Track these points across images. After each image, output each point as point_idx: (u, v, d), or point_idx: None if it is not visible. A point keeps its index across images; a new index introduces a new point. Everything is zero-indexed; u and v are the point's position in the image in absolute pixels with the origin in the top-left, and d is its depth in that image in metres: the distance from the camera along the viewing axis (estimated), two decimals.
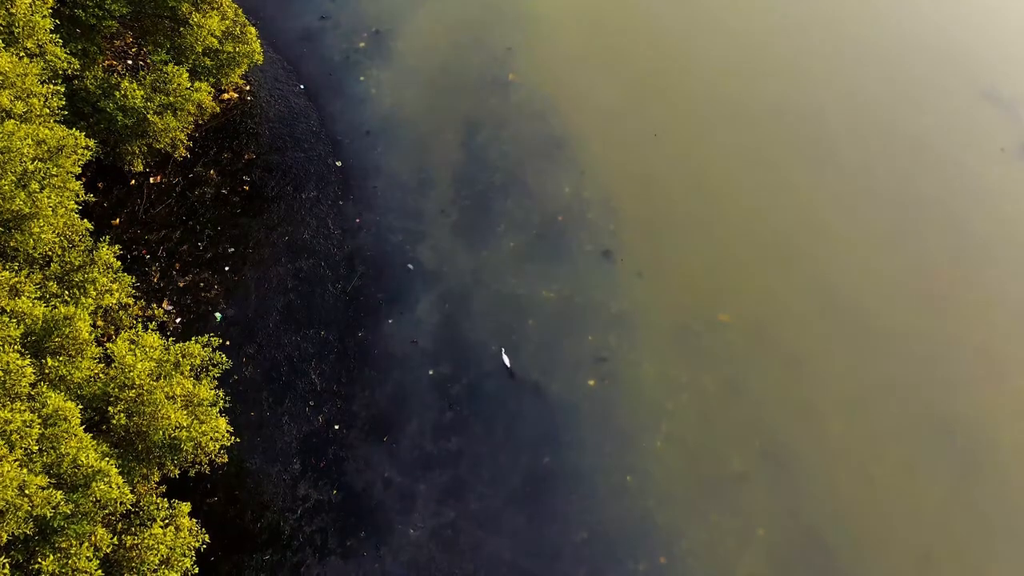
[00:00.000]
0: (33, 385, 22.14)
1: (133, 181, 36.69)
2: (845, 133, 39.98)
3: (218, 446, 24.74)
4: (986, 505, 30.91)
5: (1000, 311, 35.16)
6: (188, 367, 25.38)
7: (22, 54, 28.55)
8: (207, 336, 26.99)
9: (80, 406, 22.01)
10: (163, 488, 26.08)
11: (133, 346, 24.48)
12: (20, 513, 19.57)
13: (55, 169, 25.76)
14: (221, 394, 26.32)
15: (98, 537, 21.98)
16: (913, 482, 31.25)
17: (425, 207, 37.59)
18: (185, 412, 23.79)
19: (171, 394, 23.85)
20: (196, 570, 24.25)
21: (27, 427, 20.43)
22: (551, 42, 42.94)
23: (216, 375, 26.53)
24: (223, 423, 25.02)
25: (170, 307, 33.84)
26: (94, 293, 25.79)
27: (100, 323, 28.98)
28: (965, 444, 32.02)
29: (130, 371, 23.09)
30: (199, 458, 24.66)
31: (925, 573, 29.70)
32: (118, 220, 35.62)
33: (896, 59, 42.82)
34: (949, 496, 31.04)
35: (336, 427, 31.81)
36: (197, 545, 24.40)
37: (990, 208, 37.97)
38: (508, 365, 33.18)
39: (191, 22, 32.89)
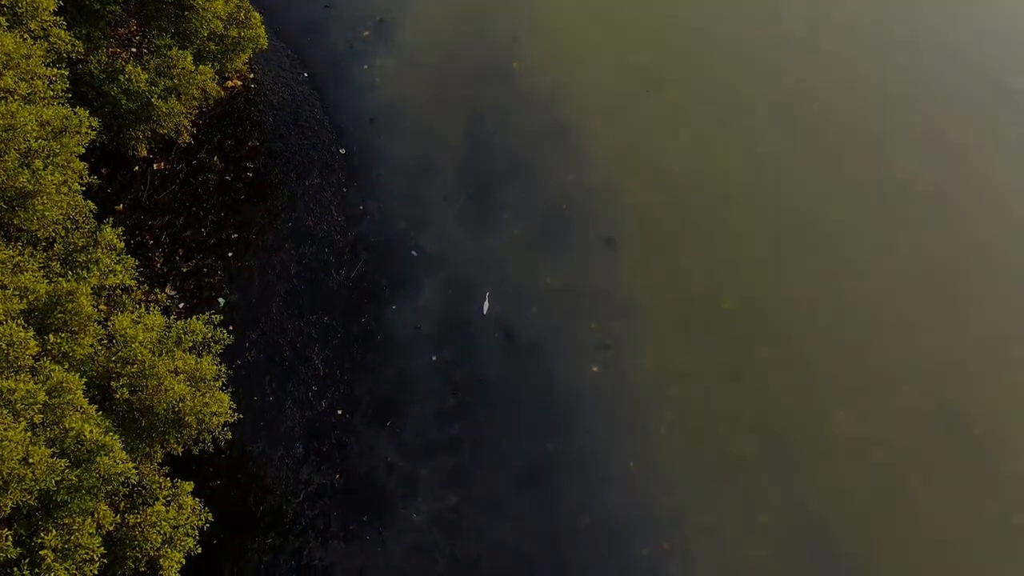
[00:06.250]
0: (36, 359, 22.13)
1: (136, 167, 36.68)
2: (852, 124, 39.88)
3: (221, 421, 24.69)
4: (989, 493, 30.77)
5: (1005, 303, 35.02)
6: (190, 343, 25.35)
7: (26, 35, 28.58)
8: (209, 313, 26.95)
9: (84, 380, 21.98)
10: (166, 470, 26.01)
11: (135, 323, 24.45)
12: (24, 483, 19.53)
13: (59, 148, 25.73)
14: (224, 368, 26.26)
15: (101, 514, 21.95)
16: (916, 470, 31.11)
17: (429, 195, 37.56)
18: (188, 385, 23.74)
19: (173, 368, 23.81)
20: (199, 550, 24.21)
21: (31, 397, 20.40)
22: (556, 31, 42.90)
23: (218, 351, 26.48)
24: (226, 398, 24.96)
25: (173, 292, 33.81)
26: (97, 273, 25.77)
27: (103, 307, 28.96)
28: (968, 432, 31.87)
29: (132, 343, 23.05)
30: (202, 435, 24.62)
31: (929, 560, 29.58)
32: (121, 206, 35.60)
33: (906, 50, 42.72)
34: (952, 484, 30.90)
35: (339, 412, 31.76)
36: (200, 524, 24.35)
37: (997, 200, 37.84)
38: (485, 311, 33.23)
39: (196, 5, 32.87)
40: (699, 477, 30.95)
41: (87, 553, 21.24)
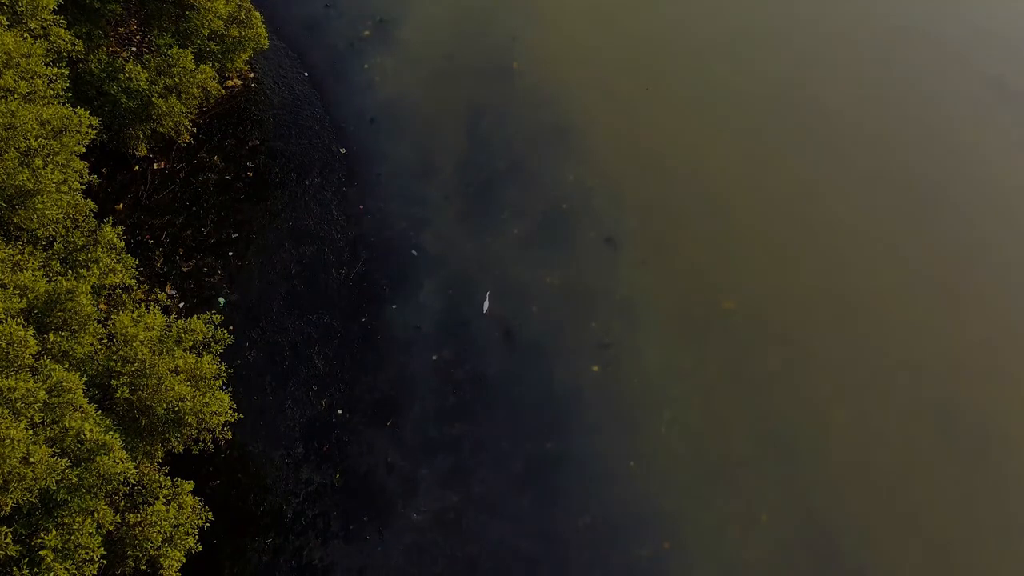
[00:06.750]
0: (36, 358, 22.10)
1: (137, 167, 36.64)
2: (851, 123, 39.86)
3: (221, 421, 24.65)
4: (987, 492, 30.81)
5: (1005, 302, 35.02)
6: (190, 343, 25.32)
7: (26, 34, 28.56)
8: (209, 313, 26.93)
9: (84, 378, 21.96)
10: (166, 469, 25.97)
11: (136, 322, 24.43)
12: (24, 483, 19.50)
13: (59, 147, 25.71)
14: (224, 368, 26.23)
15: (101, 513, 21.92)
16: (915, 469, 31.15)
17: (429, 194, 37.54)
18: (188, 385, 23.72)
19: (173, 368, 23.79)
20: (199, 548, 24.19)
21: (31, 396, 20.38)
22: (555, 31, 42.86)
23: (218, 351, 26.45)
24: (226, 397, 24.94)
25: (173, 292, 33.79)
26: (97, 272, 25.75)
27: (103, 306, 28.95)
28: (967, 432, 31.90)
29: (132, 341, 23.03)
30: (202, 435, 24.58)
31: (928, 559, 29.58)
32: (122, 205, 35.56)
33: (903, 47, 42.69)
34: (951, 483, 30.93)
35: (339, 411, 31.74)
36: (200, 523, 24.31)
37: (996, 198, 37.84)
38: (485, 310, 33.26)
39: (196, 5, 32.84)
40: (699, 477, 30.96)
41: (87, 553, 21.23)
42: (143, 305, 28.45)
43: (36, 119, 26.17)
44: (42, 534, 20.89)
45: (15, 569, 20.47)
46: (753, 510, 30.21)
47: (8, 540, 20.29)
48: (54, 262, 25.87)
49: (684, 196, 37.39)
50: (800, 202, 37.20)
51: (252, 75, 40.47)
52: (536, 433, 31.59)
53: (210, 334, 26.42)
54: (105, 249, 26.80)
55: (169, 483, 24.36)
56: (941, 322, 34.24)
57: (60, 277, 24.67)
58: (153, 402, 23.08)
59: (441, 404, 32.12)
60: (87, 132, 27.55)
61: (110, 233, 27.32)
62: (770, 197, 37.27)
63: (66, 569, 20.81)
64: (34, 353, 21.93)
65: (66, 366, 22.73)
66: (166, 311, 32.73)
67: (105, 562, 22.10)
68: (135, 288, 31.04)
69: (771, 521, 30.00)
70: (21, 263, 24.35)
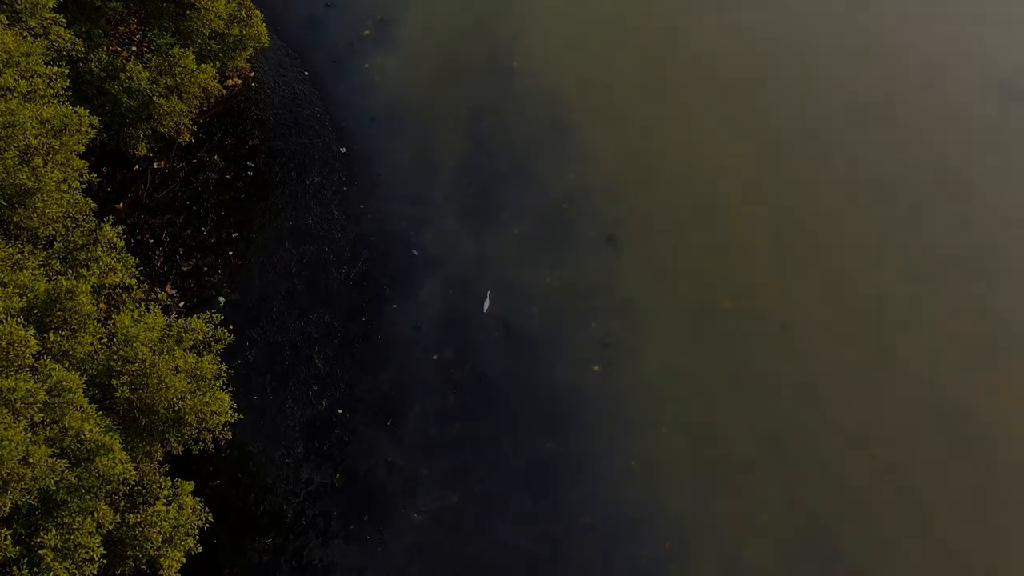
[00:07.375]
0: (36, 357, 22.07)
1: (137, 166, 36.62)
2: (852, 123, 39.78)
3: (221, 421, 24.62)
4: (987, 492, 30.76)
5: (1005, 302, 34.96)
6: (191, 342, 25.29)
7: (26, 33, 28.53)
8: (209, 313, 26.89)
9: (84, 378, 21.93)
10: (166, 469, 25.97)
11: (136, 322, 24.40)
12: (24, 483, 19.47)
13: (58, 145, 25.67)
14: (224, 367, 26.20)
15: (101, 513, 21.90)
16: (915, 469, 31.10)
17: (429, 194, 37.51)
18: (189, 383, 23.69)
19: (174, 367, 23.75)
20: (199, 549, 24.16)
21: (31, 396, 20.35)
22: (555, 31, 42.82)
23: (219, 350, 26.42)
24: (226, 397, 24.91)
25: (173, 291, 33.76)
26: (97, 271, 25.72)
27: (103, 305, 28.91)
28: (969, 431, 31.84)
29: (133, 341, 23.00)
30: (203, 435, 24.55)
31: (929, 559, 29.55)
32: (122, 204, 35.54)
33: (908, 48, 42.60)
34: (951, 483, 30.88)
35: (339, 411, 31.71)
36: (200, 524, 24.30)
37: (997, 199, 37.77)
38: (485, 309, 33.27)
39: (198, 5, 32.80)
40: (699, 476, 30.93)
41: (87, 552, 21.21)
42: (143, 304, 28.40)
43: (36, 118, 26.15)
44: (42, 533, 20.86)
45: (15, 569, 20.45)
46: (753, 510, 30.19)
47: (8, 541, 20.25)
48: (54, 261, 25.83)
49: (685, 196, 37.35)
50: (800, 202, 37.14)
51: (252, 74, 40.43)
52: (536, 433, 31.58)
53: (210, 333, 26.41)
54: (105, 248, 26.77)
55: (169, 483, 24.35)
56: (941, 322, 34.19)
57: (60, 276, 24.64)
58: (154, 401, 23.06)
59: (441, 404, 32.11)
60: (87, 131, 27.54)
61: (110, 232, 27.29)
62: (770, 197, 37.22)
63: (66, 568, 20.81)
64: (34, 353, 21.89)
65: (66, 366, 22.71)
66: (166, 310, 32.70)
67: (105, 562, 22.08)
68: (135, 287, 31.00)
69: (771, 521, 29.99)
70: (21, 262, 24.32)
